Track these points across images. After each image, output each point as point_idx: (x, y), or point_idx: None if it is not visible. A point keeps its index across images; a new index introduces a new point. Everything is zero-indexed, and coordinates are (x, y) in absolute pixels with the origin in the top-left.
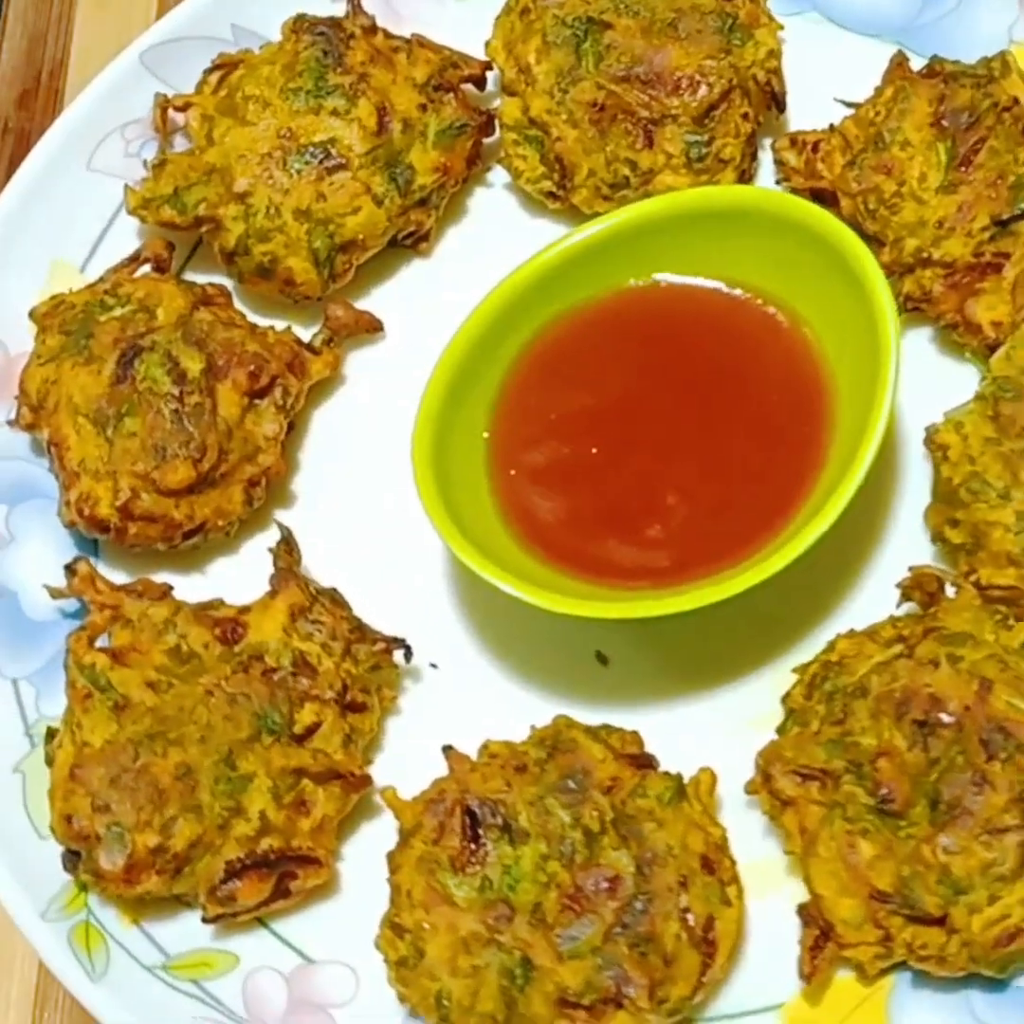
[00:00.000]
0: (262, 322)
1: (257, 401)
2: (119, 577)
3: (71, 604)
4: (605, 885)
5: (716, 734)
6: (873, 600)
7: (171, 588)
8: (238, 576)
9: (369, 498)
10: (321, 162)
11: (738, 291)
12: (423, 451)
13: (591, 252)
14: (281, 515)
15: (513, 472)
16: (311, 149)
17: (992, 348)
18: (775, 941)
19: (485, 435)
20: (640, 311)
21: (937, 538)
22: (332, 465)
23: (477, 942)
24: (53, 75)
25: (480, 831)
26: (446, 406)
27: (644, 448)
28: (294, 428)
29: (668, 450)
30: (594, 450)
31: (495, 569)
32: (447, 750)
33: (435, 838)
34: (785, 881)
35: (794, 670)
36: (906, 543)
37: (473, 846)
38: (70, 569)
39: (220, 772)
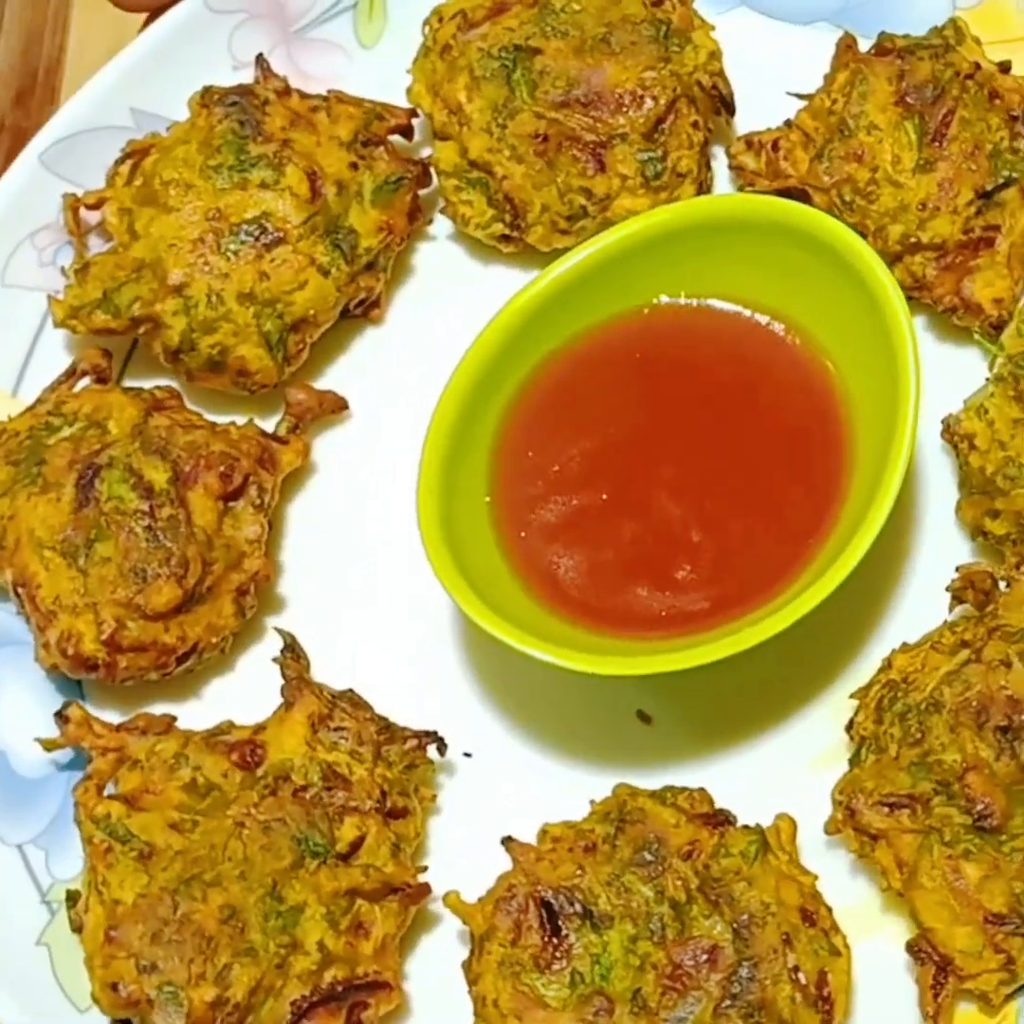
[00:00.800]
0: (220, 419)
1: (232, 503)
2: (111, 717)
3: (65, 754)
4: (704, 957)
5: (779, 777)
6: (918, 611)
7: (174, 719)
8: (240, 694)
9: (364, 587)
10: (258, 239)
11: (737, 308)
12: (431, 525)
13: (573, 286)
14: (274, 621)
15: (524, 534)
16: (245, 227)
17: (996, 327)
18: (884, 985)
19: (487, 499)
20: (634, 342)
21: (976, 533)
22: (317, 558)
23: None
24: (50, 73)
25: (560, 923)
26: (445, 475)
27: (657, 487)
28: (271, 526)
29: (683, 486)
30: (605, 496)
31: (524, 636)
32: (507, 841)
33: (513, 938)
34: (882, 920)
35: (853, 695)
36: (939, 545)
37: (556, 940)
38: (62, 716)
39: (268, 907)
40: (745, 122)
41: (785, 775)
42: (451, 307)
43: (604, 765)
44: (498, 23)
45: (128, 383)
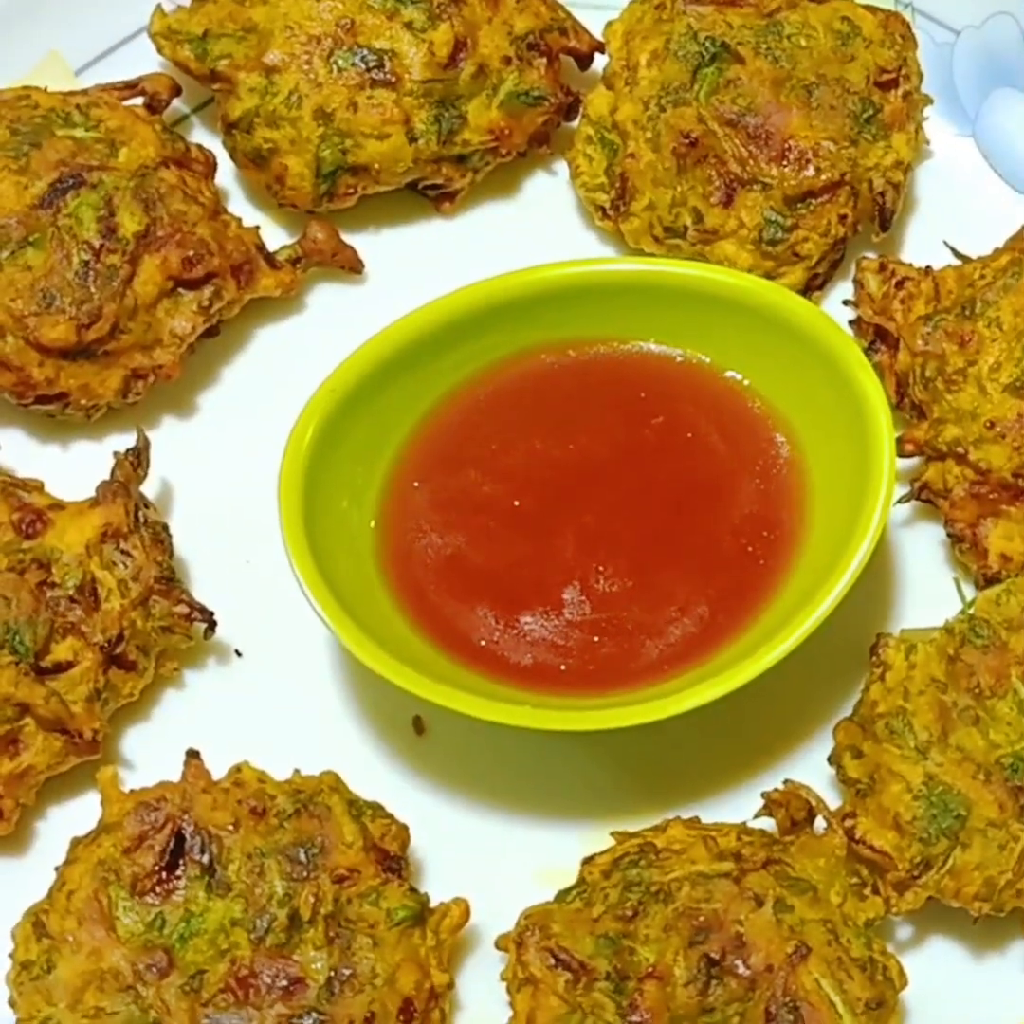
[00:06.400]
0: (233, 210)
1: (181, 291)
2: None
3: None
4: (283, 984)
5: (496, 865)
6: (734, 792)
7: None
8: (85, 468)
9: (246, 463)
10: (370, 70)
11: (705, 360)
12: (293, 511)
13: (556, 296)
14: (167, 428)
15: (416, 484)
16: (366, 52)
17: (989, 580)
18: None
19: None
20: (602, 374)
21: (834, 760)
22: (231, 412)
23: (115, 983)
24: None
25: (181, 862)
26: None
27: (569, 533)
28: (218, 334)
29: (596, 541)
30: (517, 503)
31: (340, 614)
32: (191, 755)
33: (129, 846)
34: None
35: (613, 834)
36: (802, 741)
37: (164, 874)
38: None
39: None
40: (893, 245)
41: (508, 867)
42: (523, 240)
43: (349, 743)
44: (723, 13)
45: (181, 131)
